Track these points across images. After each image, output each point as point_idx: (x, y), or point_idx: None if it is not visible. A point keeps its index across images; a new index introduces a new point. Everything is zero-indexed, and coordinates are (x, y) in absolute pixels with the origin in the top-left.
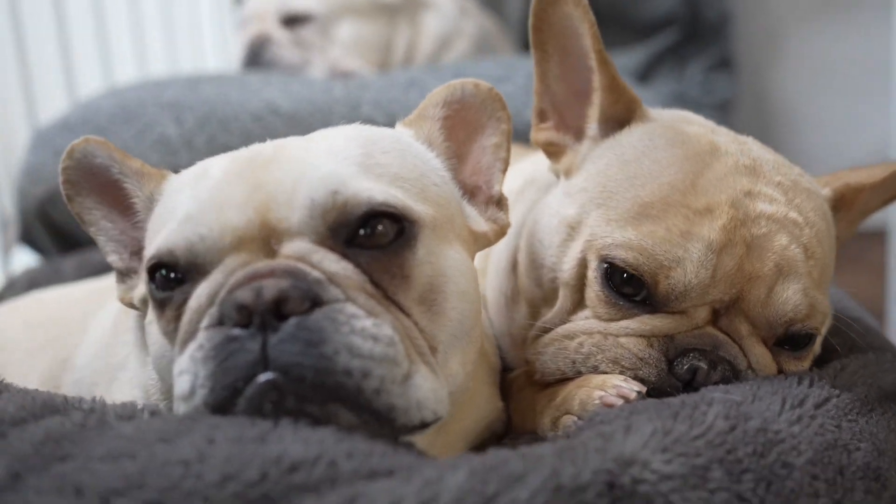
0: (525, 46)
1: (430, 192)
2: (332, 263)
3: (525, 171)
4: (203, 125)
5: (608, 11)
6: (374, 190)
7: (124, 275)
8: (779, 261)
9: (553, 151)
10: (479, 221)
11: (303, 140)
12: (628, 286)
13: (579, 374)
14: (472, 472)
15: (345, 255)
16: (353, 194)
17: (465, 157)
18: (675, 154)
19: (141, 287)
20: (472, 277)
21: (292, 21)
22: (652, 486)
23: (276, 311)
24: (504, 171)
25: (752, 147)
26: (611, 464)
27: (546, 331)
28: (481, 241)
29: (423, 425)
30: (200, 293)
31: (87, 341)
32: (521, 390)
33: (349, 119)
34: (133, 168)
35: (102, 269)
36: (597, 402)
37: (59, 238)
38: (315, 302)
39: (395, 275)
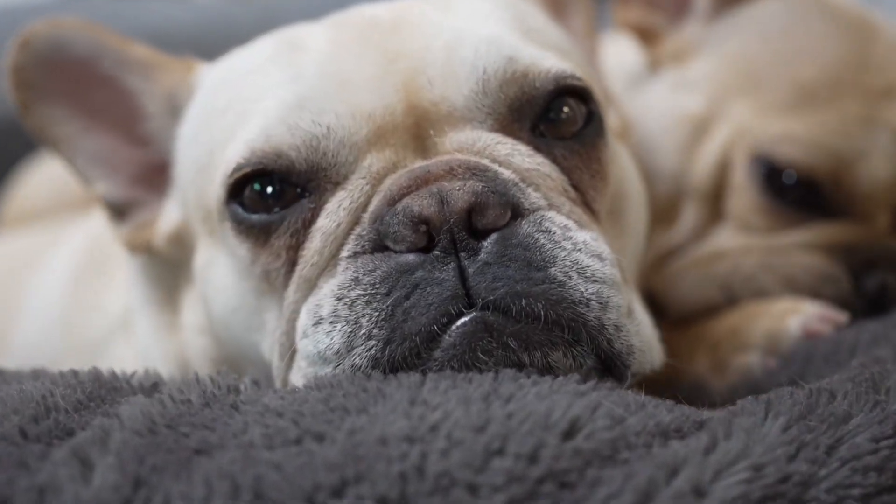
0: None
1: (588, 70)
2: (526, 158)
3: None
4: None
5: None
6: (552, 59)
7: (122, 210)
8: None
9: (645, 35)
10: (610, 117)
11: (423, 2)
12: (795, 189)
13: (732, 301)
14: (792, 419)
15: (536, 147)
16: (531, 63)
17: None
18: (831, 26)
19: (172, 217)
20: (641, 181)
21: None
22: None
23: (469, 225)
24: (598, 58)
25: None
26: None
27: (669, 255)
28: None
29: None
30: (335, 209)
31: (27, 314)
32: None
33: None
34: (137, 58)
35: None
36: (794, 332)
37: None
38: (514, 211)
39: (595, 174)
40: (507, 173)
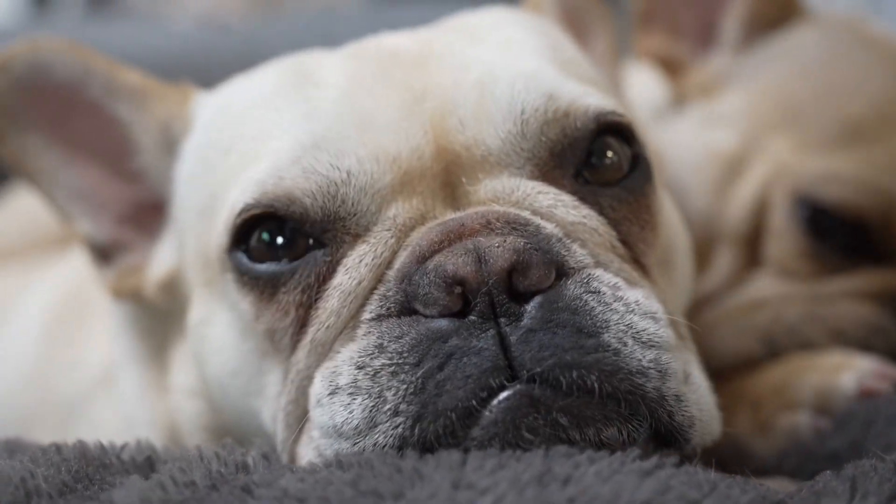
0: None
1: (625, 104)
2: (570, 210)
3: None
4: None
5: None
6: (594, 96)
7: (107, 252)
8: None
9: (668, 65)
10: None
11: (446, 31)
12: (841, 232)
13: (775, 354)
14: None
15: (581, 197)
16: (572, 100)
17: None
18: (874, 58)
19: (164, 263)
20: (685, 227)
21: None
22: None
23: (510, 286)
24: (619, 86)
25: None
26: None
27: (702, 303)
28: None
29: None
30: (355, 264)
31: None
32: None
33: None
34: (127, 84)
35: None
36: (848, 389)
37: None
38: (559, 270)
39: (645, 224)
40: (550, 227)
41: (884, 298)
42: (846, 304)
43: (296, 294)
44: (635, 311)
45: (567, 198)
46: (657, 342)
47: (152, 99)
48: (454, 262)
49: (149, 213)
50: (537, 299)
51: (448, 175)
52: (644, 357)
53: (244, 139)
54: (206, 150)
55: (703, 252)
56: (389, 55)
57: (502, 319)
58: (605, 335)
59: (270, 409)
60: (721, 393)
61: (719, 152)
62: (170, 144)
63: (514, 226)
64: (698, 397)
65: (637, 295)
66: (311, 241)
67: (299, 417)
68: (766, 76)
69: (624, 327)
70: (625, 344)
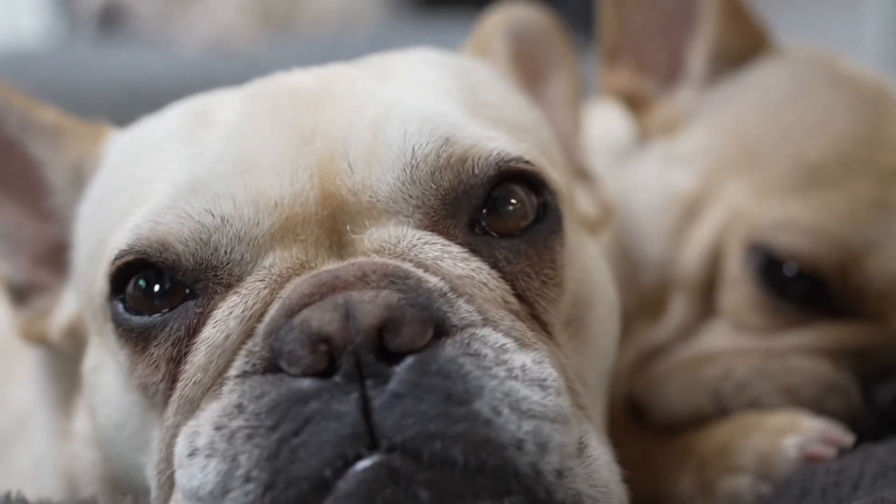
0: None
1: (553, 153)
2: (458, 262)
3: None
4: None
5: None
6: (500, 140)
7: (23, 294)
8: None
9: (634, 102)
10: (582, 200)
11: (358, 68)
12: (796, 283)
13: (724, 411)
14: None
15: (473, 248)
16: (473, 145)
17: None
18: (841, 96)
19: (68, 309)
20: (614, 283)
21: None
22: None
23: (380, 346)
24: (580, 130)
25: None
26: None
27: (654, 354)
28: (589, 231)
29: None
30: (224, 316)
31: None
32: (633, 441)
33: None
34: (43, 122)
35: None
36: (790, 454)
37: None
38: (439, 329)
39: (547, 280)
40: (433, 281)
41: (840, 355)
42: (799, 360)
43: (166, 348)
44: (519, 376)
45: (456, 249)
46: (539, 412)
47: (66, 137)
48: (320, 317)
49: (63, 255)
50: (409, 360)
51: (334, 222)
52: (520, 428)
53: (136, 181)
54: (104, 192)
55: (659, 299)
56: (287, 93)
57: (368, 381)
58: (477, 403)
59: (151, 466)
60: (669, 450)
61: (677, 195)
62: (79, 184)
63: (393, 279)
64: (591, 472)
65: (525, 358)
66: (187, 290)
67: (170, 477)
68: (729, 114)
69: (501, 395)
70: (499, 413)
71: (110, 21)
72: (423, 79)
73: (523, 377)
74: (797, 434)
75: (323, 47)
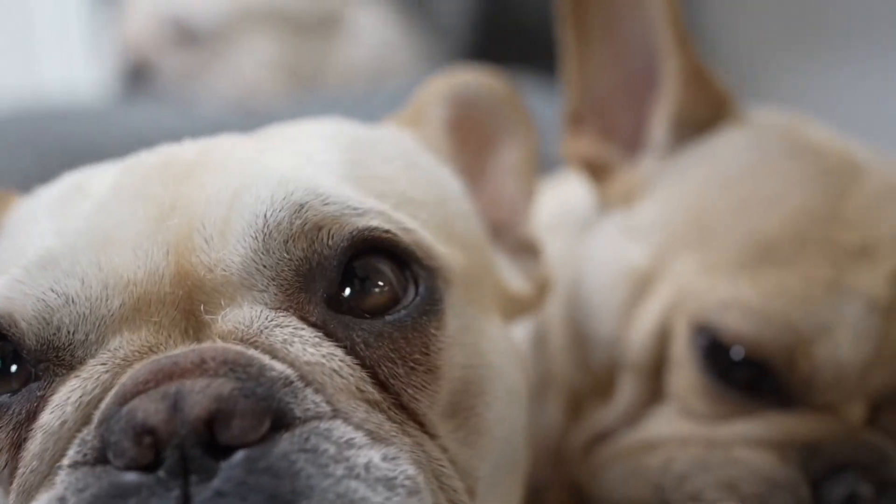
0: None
1: (456, 227)
2: (309, 347)
3: (548, 206)
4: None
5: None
6: (367, 207)
7: None
8: None
9: (597, 170)
10: (512, 275)
11: (248, 139)
12: (742, 368)
13: None
14: None
15: (328, 330)
16: (333, 212)
17: (480, 183)
18: (801, 168)
19: None
20: (520, 367)
21: (182, 38)
22: None
23: (210, 440)
24: (531, 202)
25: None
26: None
27: (600, 437)
28: (518, 308)
29: None
30: (63, 401)
31: None
32: None
33: None
34: None
35: None
36: None
37: None
38: (279, 421)
39: (416, 366)
40: (279, 369)
41: (788, 449)
42: (744, 452)
43: (8, 431)
44: (360, 475)
45: (308, 332)
46: None
47: None
48: (146, 407)
49: None
50: (238, 456)
51: (191, 302)
52: None
53: (9, 253)
54: None
55: (609, 381)
56: (161, 165)
57: (193, 477)
58: None
59: None
60: None
61: (629, 270)
62: None
63: (233, 367)
64: None
65: (373, 455)
66: (32, 371)
67: None
68: (685, 184)
69: (333, 496)
70: None
71: (140, 79)
72: (304, 149)
73: (366, 476)
74: None
75: (344, 105)
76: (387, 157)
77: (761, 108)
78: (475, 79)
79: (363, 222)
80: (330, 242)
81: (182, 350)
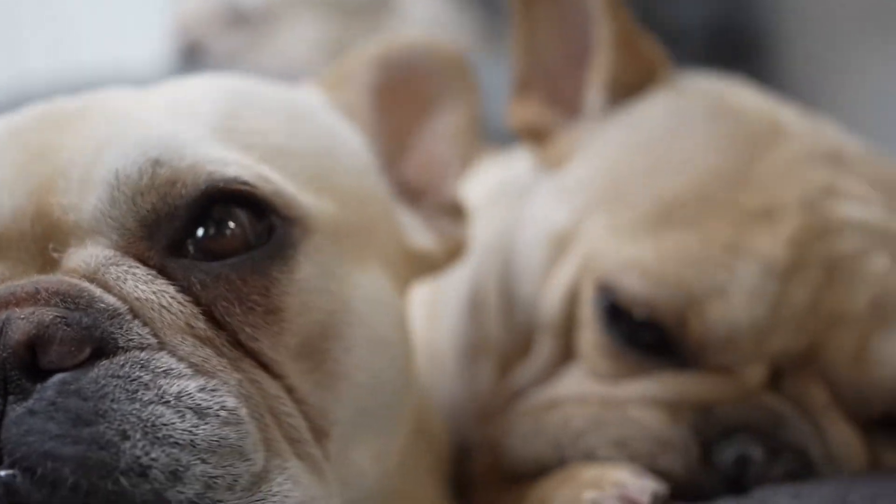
0: None
1: (337, 181)
2: (140, 284)
3: (496, 178)
4: None
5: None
6: (226, 160)
7: None
8: (877, 294)
9: (538, 135)
10: (420, 234)
11: (137, 91)
12: (644, 329)
13: (563, 462)
14: None
15: (164, 271)
16: (190, 165)
17: (410, 145)
18: (718, 131)
19: None
20: (398, 318)
21: (233, 19)
22: None
23: (31, 362)
24: (465, 167)
25: (830, 131)
26: None
27: (516, 396)
28: (423, 265)
29: None
30: None
31: None
32: (487, 488)
33: None
34: None
35: None
36: None
37: None
38: (101, 349)
39: (254, 306)
40: (109, 301)
41: (680, 409)
42: (636, 411)
43: None
44: (170, 402)
45: (142, 271)
46: (182, 440)
47: None
48: None
49: None
50: (55, 378)
51: (46, 241)
52: (147, 454)
53: None
54: None
55: (529, 340)
56: (44, 114)
57: (11, 398)
58: (104, 425)
59: None
60: (508, 499)
61: (551, 231)
62: None
63: (64, 297)
64: None
65: (190, 384)
66: None
67: None
68: (607, 148)
69: (135, 419)
70: (126, 437)
71: (192, 58)
72: (179, 101)
73: (176, 403)
74: (596, 490)
75: None
76: (267, 110)
77: (695, 75)
78: (418, 44)
79: (219, 174)
80: (183, 192)
81: (23, 282)
